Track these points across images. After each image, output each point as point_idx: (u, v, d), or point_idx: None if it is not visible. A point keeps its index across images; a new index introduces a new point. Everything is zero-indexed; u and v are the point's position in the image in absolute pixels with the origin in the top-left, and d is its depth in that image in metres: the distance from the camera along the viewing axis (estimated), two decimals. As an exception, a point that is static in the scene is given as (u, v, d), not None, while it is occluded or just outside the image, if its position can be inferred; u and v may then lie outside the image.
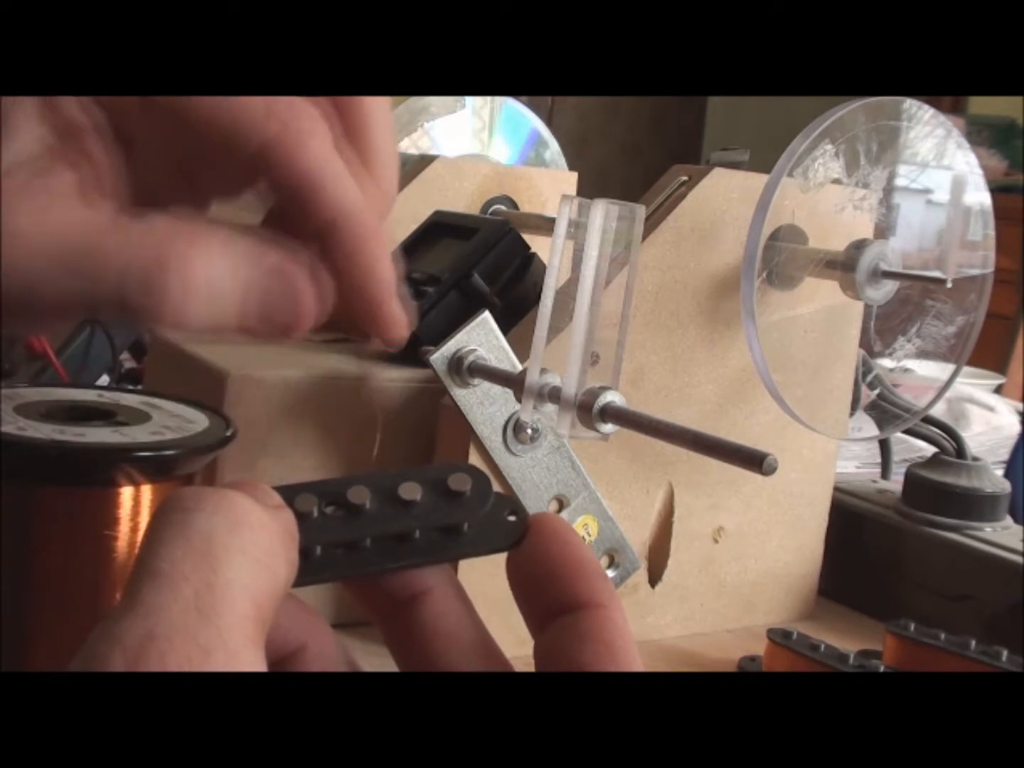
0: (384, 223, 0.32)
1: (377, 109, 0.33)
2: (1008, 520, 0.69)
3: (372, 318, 0.32)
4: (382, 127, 0.33)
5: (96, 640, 0.21)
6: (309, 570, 0.26)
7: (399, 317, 0.32)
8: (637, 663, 0.26)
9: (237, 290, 0.31)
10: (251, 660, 0.22)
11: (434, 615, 0.28)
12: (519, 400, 0.52)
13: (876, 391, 0.66)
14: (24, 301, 0.30)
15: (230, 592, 0.22)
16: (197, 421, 0.45)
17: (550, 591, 0.27)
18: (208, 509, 0.23)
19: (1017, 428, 1.15)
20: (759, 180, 0.59)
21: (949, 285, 0.61)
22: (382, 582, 0.28)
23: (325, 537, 0.26)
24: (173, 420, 0.45)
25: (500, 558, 0.28)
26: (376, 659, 0.30)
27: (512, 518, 0.28)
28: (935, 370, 0.70)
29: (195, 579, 0.22)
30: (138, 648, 0.21)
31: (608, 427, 0.49)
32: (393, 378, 0.60)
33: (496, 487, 0.29)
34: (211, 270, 0.30)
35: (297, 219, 0.31)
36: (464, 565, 0.55)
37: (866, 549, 0.70)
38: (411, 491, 0.27)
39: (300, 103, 0.31)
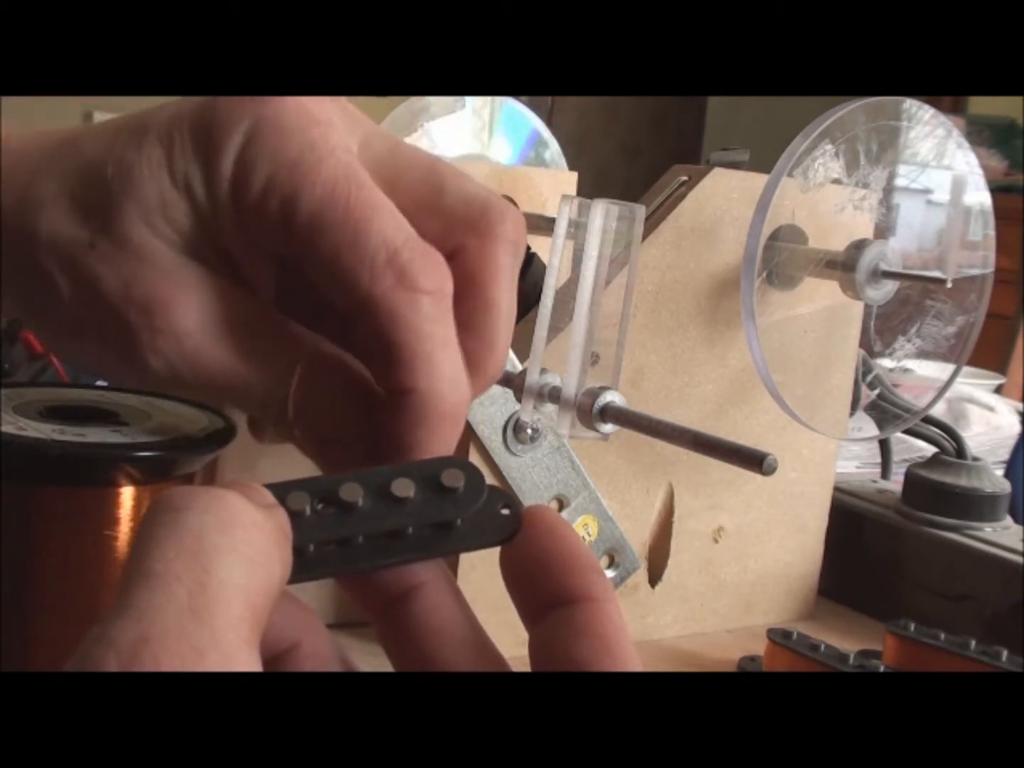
0: (469, 399, 0.31)
1: (505, 264, 0.32)
2: (1008, 520, 0.69)
3: None
4: (507, 283, 0.32)
5: (90, 643, 0.21)
6: (302, 568, 0.26)
7: None
8: (632, 657, 0.26)
9: (229, 372, 0.31)
10: (245, 661, 0.22)
11: (427, 610, 0.28)
12: (519, 400, 0.51)
13: (876, 391, 0.66)
14: (195, 384, 0.32)
15: (223, 592, 0.22)
16: (197, 421, 0.45)
17: (544, 585, 0.27)
18: (199, 508, 0.23)
19: (1017, 428, 1.15)
20: (759, 180, 0.59)
21: (949, 285, 0.61)
22: (374, 578, 0.28)
23: (318, 535, 0.26)
24: (173, 420, 0.45)
25: (499, 555, 0.28)
26: (375, 659, 0.30)
27: (505, 512, 0.28)
28: (935, 370, 0.70)
29: (188, 580, 0.22)
30: (132, 651, 0.21)
31: (608, 427, 0.49)
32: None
33: (491, 483, 0.29)
34: (327, 400, 0.31)
35: (374, 372, 0.31)
36: (464, 565, 0.55)
37: (866, 549, 0.70)
38: (404, 488, 0.27)
39: (431, 251, 0.30)
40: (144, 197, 0.30)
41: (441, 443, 0.31)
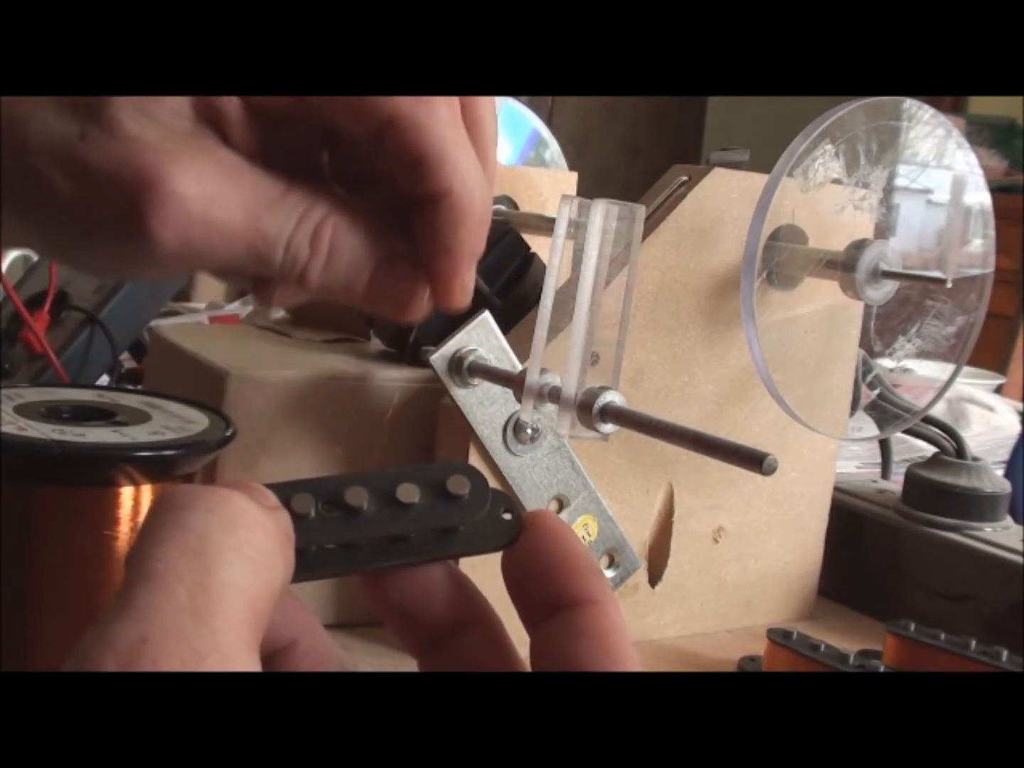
0: (491, 202, 0.34)
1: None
2: (1008, 520, 0.69)
3: (446, 285, 0.34)
4: (490, 101, 0.35)
5: (88, 643, 0.21)
6: (302, 568, 0.26)
7: (469, 289, 0.34)
8: (632, 659, 0.26)
9: (365, 269, 0.33)
10: (245, 663, 0.22)
11: (470, 651, 0.28)
12: (519, 400, 0.51)
13: (876, 391, 0.66)
14: (205, 255, 0.31)
15: (225, 594, 0.22)
16: (197, 421, 0.45)
17: (545, 588, 0.27)
18: (203, 507, 0.23)
19: (1017, 428, 1.15)
20: (759, 180, 0.59)
21: (949, 285, 0.61)
22: (422, 615, 0.28)
23: (322, 538, 0.26)
24: (173, 420, 0.45)
25: (499, 558, 0.28)
26: (376, 659, 0.30)
27: (507, 516, 0.28)
28: (935, 370, 0.70)
29: (189, 580, 0.22)
30: (130, 652, 0.20)
31: (608, 427, 0.49)
32: (393, 378, 0.60)
33: (492, 484, 0.29)
34: (347, 244, 0.32)
35: (403, 184, 0.33)
36: (464, 565, 0.55)
37: (866, 549, 0.70)
38: (409, 493, 0.27)
39: None
40: None
41: (479, 242, 0.34)
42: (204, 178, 0.31)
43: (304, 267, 0.32)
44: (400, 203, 0.33)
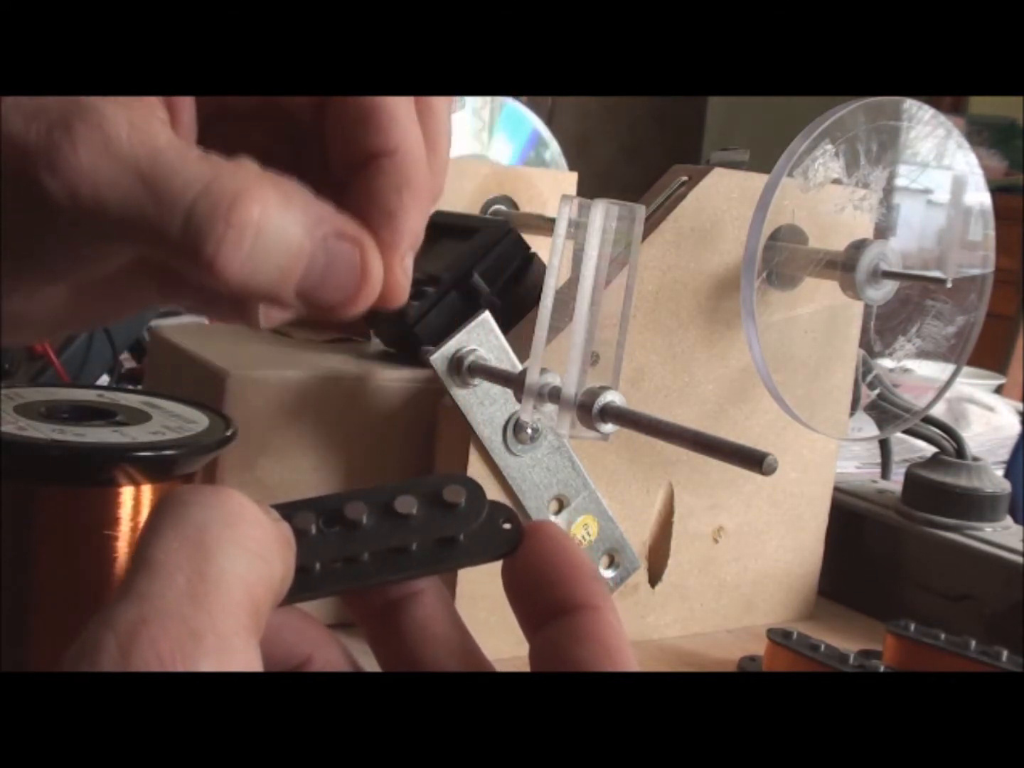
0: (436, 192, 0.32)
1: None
2: (1008, 520, 0.68)
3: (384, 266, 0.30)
4: (446, 105, 0.34)
5: (91, 627, 0.22)
6: (308, 585, 0.26)
7: (404, 284, 0.31)
8: (632, 663, 0.26)
9: (303, 251, 0.28)
10: (242, 646, 0.22)
11: (422, 617, 0.28)
12: (519, 400, 0.51)
13: (876, 391, 0.66)
14: (96, 211, 0.27)
15: (223, 580, 0.22)
16: (197, 421, 0.45)
17: (545, 593, 0.27)
18: (204, 503, 0.24)
19: (1017, 428, 1.15)
20: (759, 180, 0.59)
21: (949, 285, 0.61)
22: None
23: (324, 554, 0.27)
24: (173, 420, 0.45)
25: (501, 567, 0.28)
26: (373, 659, 0.30)
27: (507, 526, 0.28)
28: (935, 370, 0.70)
29: (188, 568, 0.22)
30: (130, 632, 0.21)
31: (608, 427, 0.49)
32: (393, 378, 0.60)
33: (492, 494, 0.29)
34: (279, 219, 0.28)
35: (348, 146, 0.31)
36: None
37: (866, 549, 0.70)
38: (407, 505, 0.28)
39: None
40: None
41: (421, 217, 0.31)
42: (104, 127, 0.27)
43: (216, 247, 0.26)
44: (337, 178, 0.31)
